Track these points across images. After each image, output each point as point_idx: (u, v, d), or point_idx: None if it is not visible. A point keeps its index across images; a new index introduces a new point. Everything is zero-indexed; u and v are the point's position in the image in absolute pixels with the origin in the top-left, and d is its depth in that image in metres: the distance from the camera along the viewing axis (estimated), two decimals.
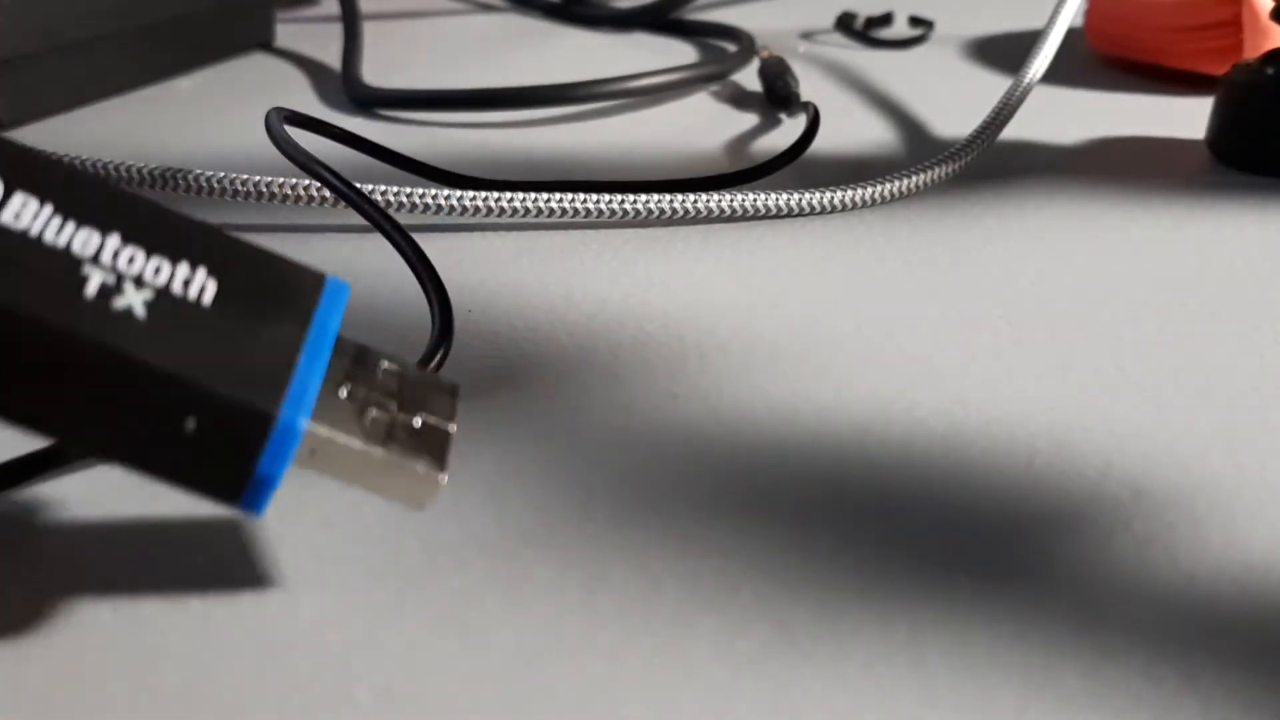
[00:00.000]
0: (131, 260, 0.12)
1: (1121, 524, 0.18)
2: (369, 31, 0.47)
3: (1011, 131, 0.34)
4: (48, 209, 0.12)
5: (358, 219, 0.29)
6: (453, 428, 0.15)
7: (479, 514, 0.19)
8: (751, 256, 0.28)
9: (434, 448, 0.14)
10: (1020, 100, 0.34)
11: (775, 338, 0.24)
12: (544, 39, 0.50)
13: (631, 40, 0.50)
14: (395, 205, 0.28)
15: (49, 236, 0.12)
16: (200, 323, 0.12)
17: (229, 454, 0.13)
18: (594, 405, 0.22)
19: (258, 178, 0.29)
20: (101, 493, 0.19)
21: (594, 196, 0.29)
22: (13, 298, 0.11)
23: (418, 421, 0.14)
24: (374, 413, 0.14)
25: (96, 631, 0.16)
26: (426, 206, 0.28)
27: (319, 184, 0.29)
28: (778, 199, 0.30)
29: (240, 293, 0.13)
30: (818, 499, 0.19)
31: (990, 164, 0.33)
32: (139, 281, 0.12)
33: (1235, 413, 0.21)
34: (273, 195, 0.29)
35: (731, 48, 0.45)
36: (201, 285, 0.13)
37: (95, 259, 0.12)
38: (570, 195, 0.29)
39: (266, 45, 0.48)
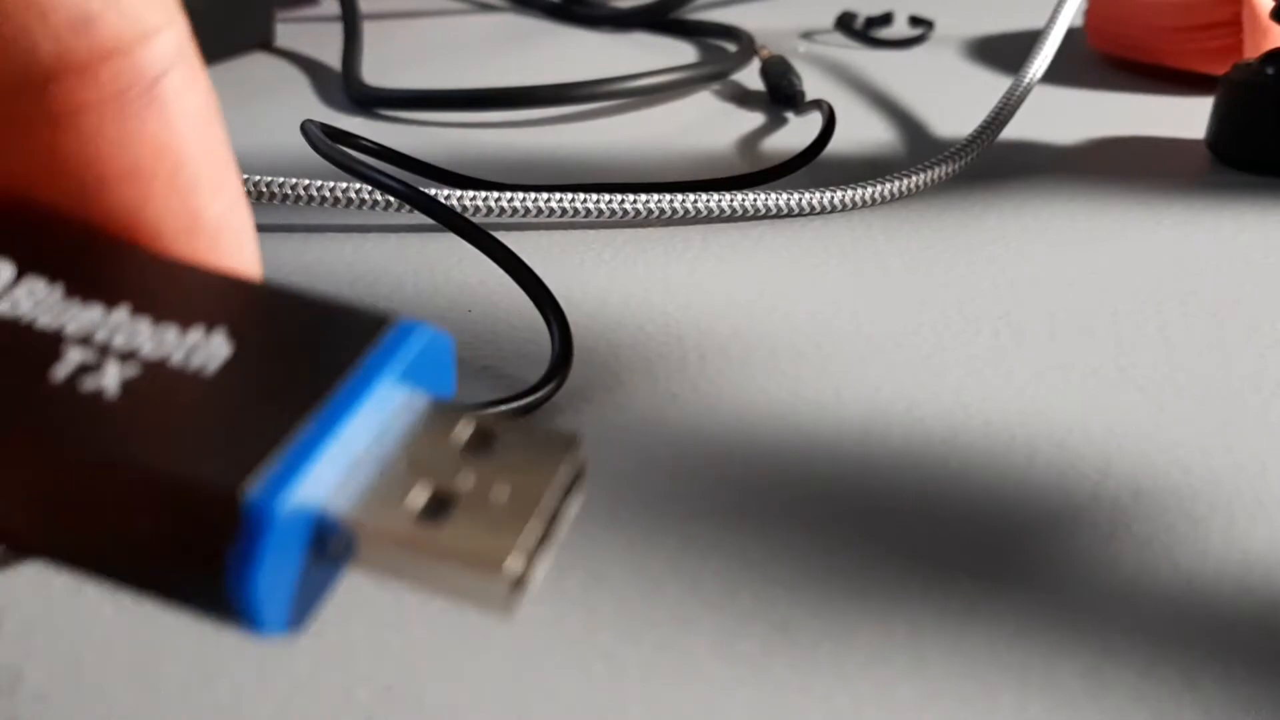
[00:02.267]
0: (131, 334, 0.11)
1: (1121, 525, 0.18)
2: (369, 31, 0.47)
3: (1011, 131, 0.34)
4: (56, 289, 0.11)
5: (376, 219, 0.29)
6: (547, 499, 0.11)
7: None
8: (751, 256, 0.28)
9: (510, 527, 0.10)
10: (1020, 100, 0.34)
11: (775, 338, 0.24)
12: (544, 39, 0.50)
13: (631, 40, 0.50)
14: (395, 205, 0.28)
15: (43, 320, 0.11)
16: (189, 396, 0.10)
17: (197, 554, 0.10)
18: (594, 405, 0.22)
19: (270, 178, 0.29)
20: None
21: (594, 196, 0.29)
22: None
23: (499, 493, 0.11)
24: (421, 488, 0.11)
25: (97, 631, 0.16)
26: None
27: (329, 186, 0.29)
28: (777, 199, 0.30)
29: (259, 354, 0.11)
30: (817, 499, 0.19)
31: (990, 164, 0.33)
32: (128, 356, 0.10)
33: (1235, 413, 0.21)
34: (287, 196, 0.29)
35: (731, 47, 0.45)
36: (211, 352, 0.11)
37: (85, 338, 0.10)
38: (570, 195, 0.29)
39: (266, 45, 0.48)
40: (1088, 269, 0.27)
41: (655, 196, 0.29)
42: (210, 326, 0.11)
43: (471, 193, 0.28)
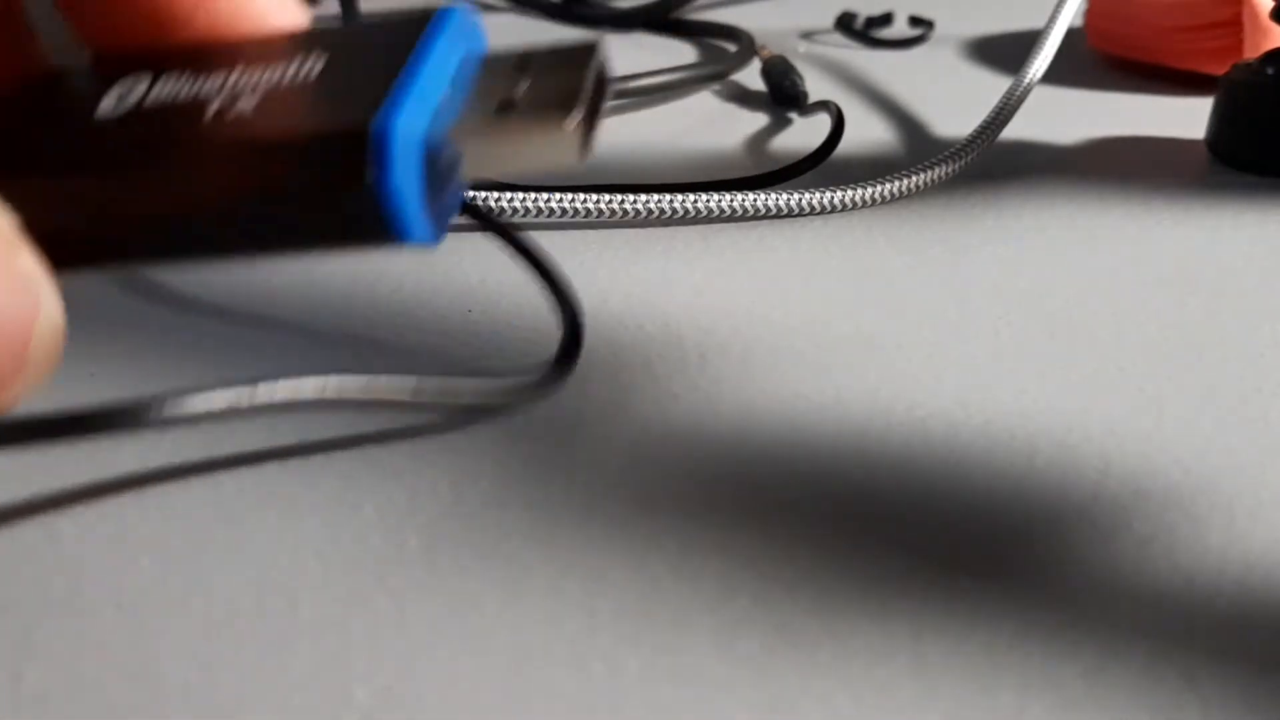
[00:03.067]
0: (252, 77, 0.14)
1: (1122, 524, 0.18)
2: None
3: (1011, 131, 0.34)
4: (186, 74, 0.14)
5: None
6: (586, 80, 0.14)
7: (479, 514, 0.19)
8: (751, 256, 0.28)
9: (563, 99, 0.14)
10: (1021, 100, 0.34)
11: (775, 338, 0.24)
12: (544, 39, 0.50)
13: (631, 40, 0.50)
14: None
15: (184, 91, 0.14)
16: (305, 93, 0.14)
17: (346, 185, 0.13)
18: (594, 405, 0.22)
19: None
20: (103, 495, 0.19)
21: (593, 196, 0.29)
22: (146, 143, 0.14)
23: (549, 85, 0.14)
24: (490, 98, 0.14)
25: (98, 630, 0.16)
26: None
27: None
28: (777, 199, 0.30)
29: (348, 55, 0.14)
30: (817, 499, 0.19)
31: (990, 164, 0.33)
32: (253, 89, 0.14)
33: (1235, 413, 0.21)
34: None
35: (732, 47, 0.45)
36: (313, 65, 0.14)
37: (219, 90, 0.14)
38: (569, 195, 0.29)
39: None
40: (1088, 269, 0.27)
41: (654, 197, 0.29)
42: (307, 53, 0.14)
43: (472, 193, 0.28)
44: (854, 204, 0.30)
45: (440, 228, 0.14)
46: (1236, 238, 0.29)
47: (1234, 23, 0.39)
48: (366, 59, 0.14)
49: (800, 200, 0.30)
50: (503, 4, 0.56)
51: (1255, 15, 0.38)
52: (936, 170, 0.31)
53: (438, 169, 0.14)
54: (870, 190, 0.30)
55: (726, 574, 0.17)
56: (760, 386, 0.22)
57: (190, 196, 0.14)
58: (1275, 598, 0.17)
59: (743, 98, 0.41)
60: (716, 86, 0.42)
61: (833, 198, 0.30)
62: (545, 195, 0.29)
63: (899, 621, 0.16)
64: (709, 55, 0.47)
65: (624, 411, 0.21)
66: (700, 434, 0.21)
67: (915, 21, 0.49)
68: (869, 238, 0.29)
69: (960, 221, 0.30)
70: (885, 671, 0.16)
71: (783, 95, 0.39)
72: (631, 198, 0.29)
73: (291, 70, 0.14)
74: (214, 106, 0.14)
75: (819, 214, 0.30)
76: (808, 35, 0.50)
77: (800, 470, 0.20)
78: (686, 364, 0.23)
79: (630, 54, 0.48)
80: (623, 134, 0.37)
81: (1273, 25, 0.36)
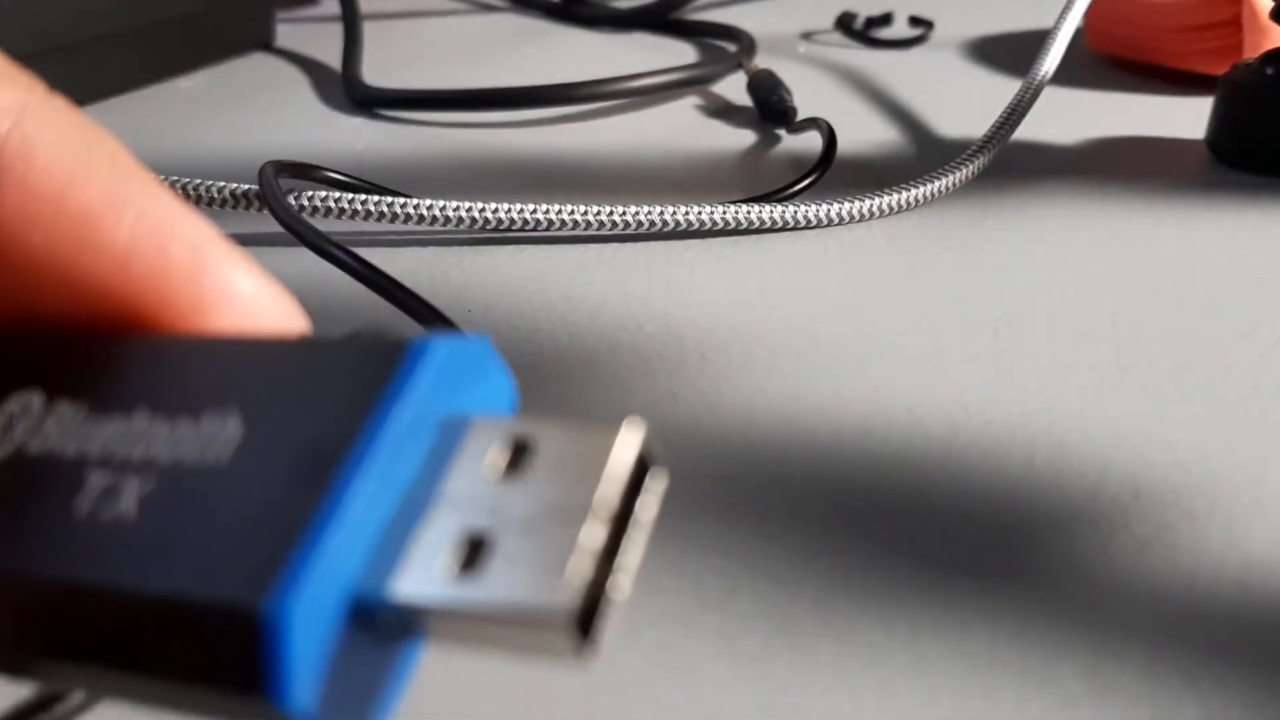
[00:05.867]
0: (149, 441, 0.10)
1: (1121, 525, 0.18)
2: (369, 31, 0.47)
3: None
4: (81, 409, 0.11)
5: (371, 227, 0.29)
6: (597, 509, 0.09)
7: None
8: (752, 258, 0.28)
9: (555, 557, 0.09)
10: (1031, 102, 0.34)
11: (775, 338, 0.24)
12: (544, 39, 0.50)
13: (631, 40, 0.50)
14: (403, 217, 0.28)
15: (70, 447, 0.10)
16: (204, 500, 0.10)
17: (232, 674, 0.09)
18: (594, 405, 0.22)
19: (220, 184, 0.29)
20: None
21: (594, 208, 0.28)
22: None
23: (540, 518, 0.09)
24: (458, 534, 0.09)
25: None
26: (434, 219, 0.28)
27: (320, 196, 0.29)
28: (783, 211, 0.29)
29: (270, 432, 0.10)
30: (817, 499, 0.19)
31: (991, 164, 0.33)
32: (145, 466, 0.10)
33: (1235, 413, 0.21)
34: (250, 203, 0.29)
35: (732, 47, 0.45)
36: (225, 438, 0.10)
37: (107, 458, 0.10)
38: (569, 207, 0.28)
39: (266, 45, 0.48)
40: (1088, 269, 0.27)
41: (655, 209, 0.28)
42: (222, 408, 0.10)
43: (480, 204, 0.28)
44: (861, 216, 0.29)
45: (384, 705, 0.10)
46: (1236, 238, 0.29)
47: (1234, 23, 0.39)
48: (293, 442, 0.10)
49: (802, 213, 0.29)
50: (503, 4, 0.56)
51: (1255, 15, 0.38)
52: (948, 179, 0.30)
53: (375, 632, 0.10)
54: (877, 202, 0.29)
55: (727, 573, 0.17)
56: (760, 386, 0.22)
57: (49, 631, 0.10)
58: (1275, 598, 0.17)
59: (728, 113, 0.40)
60: (713, 87, 0.42)
61: (839, 209, 0.29)
62: (545, 207, 0.28)
63: (899, 621, 0.16)
64: (709, 55, 0.47)
65: (624, 412, 0.21)
66: (700, 433, 0.21)
67: (915, 22, 0.49)
68: (870, 238, 0.29)
69: (960, 222, 0.30)
70: (885, 671, 0.16)
71: (770, 111, 0.38)
72: (634, 209, 0.28)
73: (200, 436, 0.10)
74: (92, 486, 0.10)
75: (827, 226, 0.30)
76: (808, 36, 0.49)
77: (800, 470, 0.20)
78: (687, 364, 0.23)
79: (630, 54, 0.48)
80: (622, 134, 0.37)
81: (1273, 25, 0.36)
